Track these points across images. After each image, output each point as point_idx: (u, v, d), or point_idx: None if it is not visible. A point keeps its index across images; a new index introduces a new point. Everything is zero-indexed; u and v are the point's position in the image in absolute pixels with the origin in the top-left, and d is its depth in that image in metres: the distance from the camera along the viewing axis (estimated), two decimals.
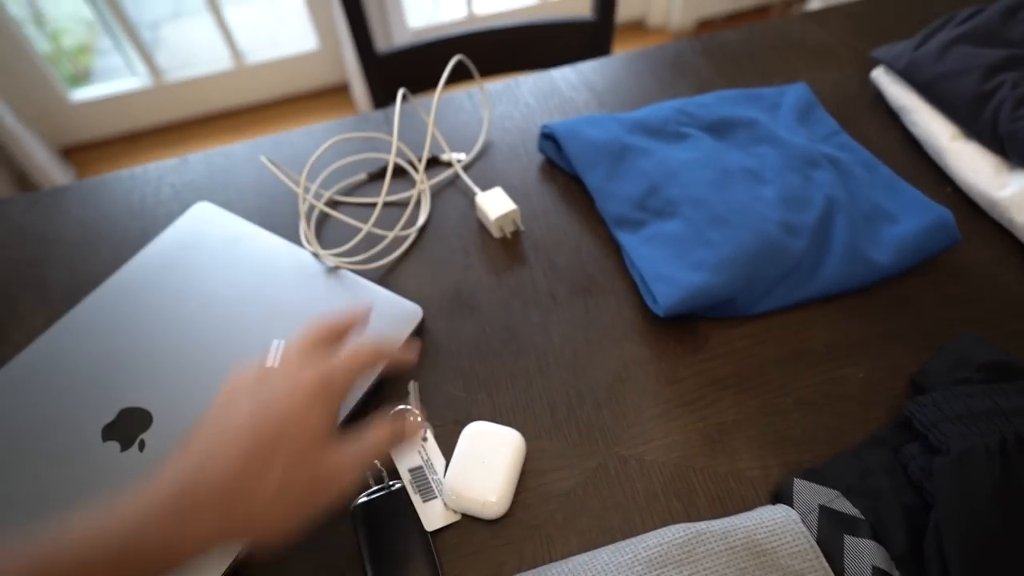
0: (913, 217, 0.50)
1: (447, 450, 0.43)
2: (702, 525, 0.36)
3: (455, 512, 0.40)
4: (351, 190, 0.59)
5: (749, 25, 0.73)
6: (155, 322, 0.48)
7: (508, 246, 0.54)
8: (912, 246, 0.48)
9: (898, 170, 0.57)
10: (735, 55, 0.70)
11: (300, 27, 2.09)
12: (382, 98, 1.00)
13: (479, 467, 0.40)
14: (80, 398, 0.44)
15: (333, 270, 0.51)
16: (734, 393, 0.45)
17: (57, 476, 0.41)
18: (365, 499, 0.40)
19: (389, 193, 0.58)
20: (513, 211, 0.53)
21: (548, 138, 0.59)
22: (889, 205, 0.51)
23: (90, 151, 2.00)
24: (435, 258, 0.53)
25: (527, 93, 0.67)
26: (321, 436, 0.30)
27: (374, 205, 0.58)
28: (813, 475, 0.39)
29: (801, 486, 0.39)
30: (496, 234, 0.54)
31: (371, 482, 0.41)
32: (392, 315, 0.48)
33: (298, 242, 0.54)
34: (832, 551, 0.36)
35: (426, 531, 0.39)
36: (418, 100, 0.68)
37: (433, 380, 0.46)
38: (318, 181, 0.58)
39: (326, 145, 0.53)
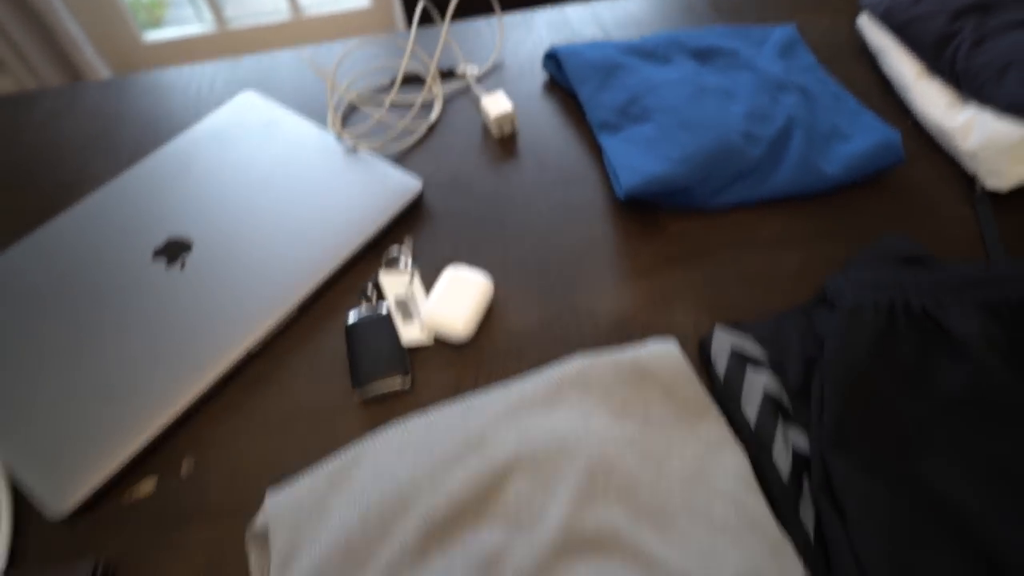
0: (865, 136, 0.55)
1: (429, 289, 0.51)
2: (599, 355, 0.43)
3: (429, 335, 0.48)
4: (375, 92, 0.68)
5: None
6: (200, 179, 0.57)
7: (505, 144, 0.61)
8: (859, 161, 0.54)
9: (870, 105, 0.62)
10: (741, 5, 0.76)
11: None
12: None
13: (453, 300, 0.48)
14: (136, 228, 0.54)
15: (352, 150, 0.59)
16: (683, 268, 0.51)
17: (114, 287, 0.50)
18: (356, 319, 0.48)
19: (409, 98, 0.67)
20: (511, 112, 0.61)
21: (552, 59, 0.66)
22: (846, 127, 0.57)
23: None
24: (440, 150, 0.62)
25: (541, 24, 0.74)
26: None
27: (394, 106, 0.66)
28: (733, 325, 0.46)
29: (720, 333, 0.45)
30: (495, 133, 0.62)
31: (363, 304, 0.50)
32: (397, 185, 0.56)
33: (327, 128, 0.63)
34: (734, 384, 0.43)
35: (403, 347, 0.47)
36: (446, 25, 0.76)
37: (426, 239, 0.54)
38: (347, 81, 0.67)
39: (353, 43, 0.61)
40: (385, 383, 0.45)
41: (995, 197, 0.54)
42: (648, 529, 0.35)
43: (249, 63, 0.72)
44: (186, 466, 0.44)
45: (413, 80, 0.68)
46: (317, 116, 0.65)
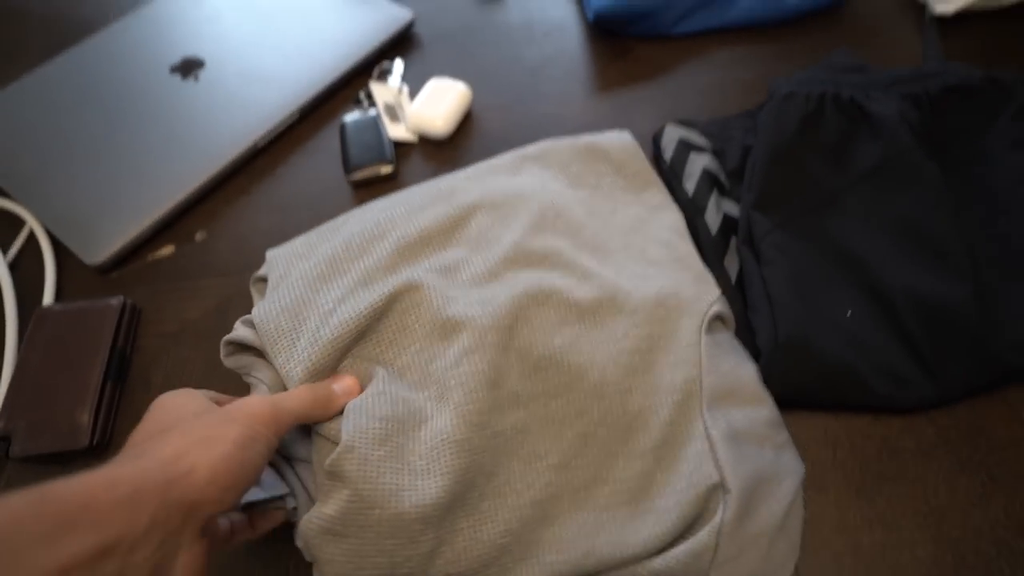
0: None
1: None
2: (560, 139, 0.49)
3: (413, 133, 0.54)
4: None
5: None
6: (210, 7, 0.63)
7: None
8: None
9: None
10: None
11: None
12: None
13: (435, 103, 0.54)
14: (153, 51, 0.60)
15: None
16: (645, 85, 0.56)
17: (137, 96, 0.56)
18: (350, 118, 0.54)
19: None
20: None
21: None
22: None
23: None
24: None
25: None
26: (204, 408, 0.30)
27: None
28: (683, 121, 0.51)
29: (670, 127, 0.51)
30: None
31: (356, 109, 0.56)
32: (389, 15, 0.61)
33: None
34: (678, 165, 0.48)
35: (389, 140, 0.53)
36: None
37: (415, 59, 0.60)
38: None
39: None
40: (372, 169, 0.51)
41: (942, 22, 0.58)
42: (587, 255, 0.41)
43: None
44: (200, 235, 0.51)
45: None
46: None
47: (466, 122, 0.55)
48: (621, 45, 0.59)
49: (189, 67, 0.58)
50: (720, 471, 0.33)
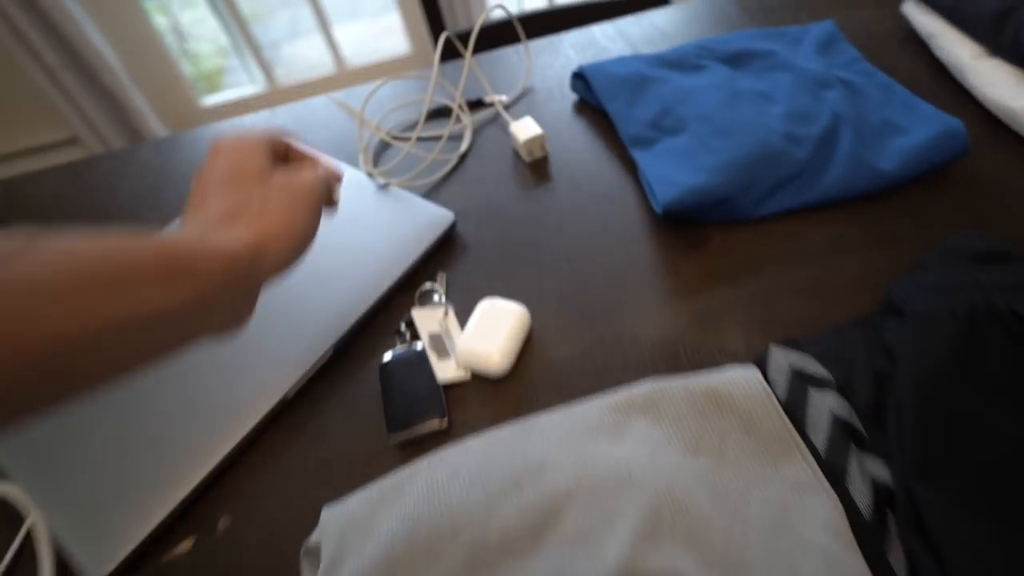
0: (923, 128, 0.51)
1: (464, 324, 0.49)
2: (668, 378, 0.40)
3: (465, 370, 0.46)
4: (406, 128, 0.68)
5: None
6: None
7: (536, 168, 0.60)
8: (919, 155, 0.50)
9: (921, 93, 0.58)
10: (770, 4, 0.72)
11: (396, 37, 2.25)
12: None
13: (488, 333, 0.46)
14: None
15: (383, 187, 0.59)
16: (728, 284, 0.48)
17: None
18: (390, 358, 0.47)
19: (441, 131, 0.66)
20: (541, 135, 0.59)
21: (579, 78, 0.64)
22: (900, 120, 0.53)
23: None
24: (472, 180, 0.60)
25: (568, 46, 0.73)
26: (266, 168, 0.37)
27: (424, 139, 0.66)
28: (789, 343, 0.42)
29: (776, 352, 0.42)
30: (526, 158, 0.60)
31: (397, 343, 0.48)
32: (428, 219, 0.55)
33: (359, 167, 0.63)
34: (797, 407, 0.39)
35: (438, 384, 0.45)
36: (476, 58, 0.76)
37: (460, 271, 0.53)
38: (379, 118, 0.67)
39: (379, 83, 0.61)
40: (422, 427, 0.43)
41: None
42: None
43: (285, 111, 0.74)
44: (222, 523, 0.43)
45: (443, 113, 0.68)
46: (350, 157, 0.66)
47: (526, 350, 0.47)
48: (696, 234, 0.52)
49: None
50: None
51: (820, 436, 0.37)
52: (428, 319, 0.49)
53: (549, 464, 0.36)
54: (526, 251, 0.53)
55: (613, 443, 0.37)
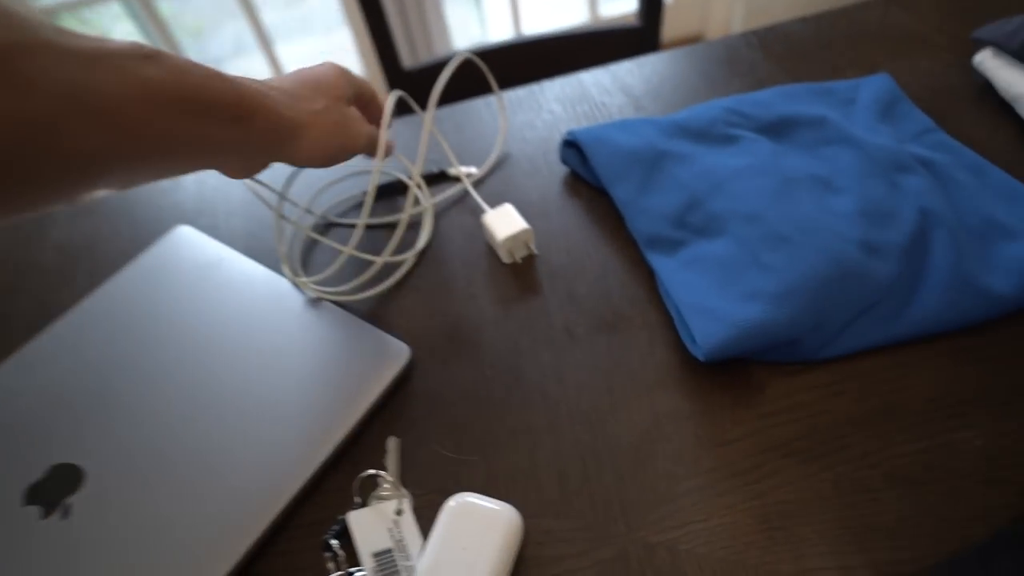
0: None
1: (426, 527, 0.34)
2: None
3: None
4: (347, 211, 0.52)
5: (817, 14, 0.63)
6: (113, 360, 0.42)
7: (519, 273, 0.45)
8: None
9: (1016, 173, 0.45)
10: (800, 48, 0.60)
11: (348, 56, 2.10)
12: None
13: (461, 554, 0.31)
14: (10, 450, 0.38)
15: (314, 301, 0.43)
16: (801, 462, 0.34)
17: None
18: None
19: (390, 213, 0.51)
20: (525, 231, 0.44)
21: (572, 146, 0.50)
22: (1006, 217, 0.40)
23: None
24: (434, 287, 0.45)
25: (552, 99, 0.59)
26: (344, 96, 0.41)
27: (372, 227, 0.50)
28: None
29: None
30: (506, 259, 0.46)
31: (328, 568, 0.33)
32: (375, 355, 0.40)
33: (282, 271, 0.48)
34: None
35: None
36: (437, 112, 0.61)
37: (418, 435, 0.38)
38: (309, 200, 0.52)
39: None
40: None
41: None
42: None
43: (189, 183, 0.58)
44: None
45: (395, 189, 0.53)
46: (272, 252, 0.50)
47: (519, 572, 0.32)
48: (743, 374, 0.38)
49: (59, 493, 0.36)
50: None
51: None
52: (371, 523, 0.34)
53: None
54: (510, 404, 0.38)
55: None
